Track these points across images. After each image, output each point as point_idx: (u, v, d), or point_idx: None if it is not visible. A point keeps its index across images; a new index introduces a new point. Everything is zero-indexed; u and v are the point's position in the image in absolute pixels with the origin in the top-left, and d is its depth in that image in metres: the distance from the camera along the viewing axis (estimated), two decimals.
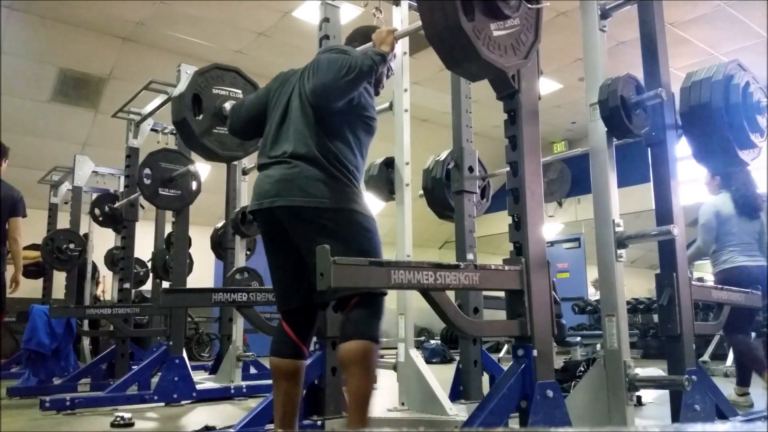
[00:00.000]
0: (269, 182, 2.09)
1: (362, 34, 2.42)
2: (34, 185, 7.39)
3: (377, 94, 2.34)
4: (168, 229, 5.93)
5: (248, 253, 5.22)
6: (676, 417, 2.33)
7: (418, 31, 2.18)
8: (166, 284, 5.68)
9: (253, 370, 5.21)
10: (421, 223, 5.85)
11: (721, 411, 2.50)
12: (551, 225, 11.50)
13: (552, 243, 11.56)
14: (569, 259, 11.74)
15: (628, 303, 5.32)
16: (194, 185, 4.64)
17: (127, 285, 5.07)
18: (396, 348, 3.21)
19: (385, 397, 4.50)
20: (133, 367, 4.60)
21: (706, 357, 6.37)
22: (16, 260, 4.44)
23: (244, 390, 4.43)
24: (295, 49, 7.30)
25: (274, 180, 2.08)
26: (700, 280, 6.84)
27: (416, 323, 9.93)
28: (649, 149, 2.57)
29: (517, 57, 1.89)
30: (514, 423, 2.23)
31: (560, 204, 10.52)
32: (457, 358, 3.70)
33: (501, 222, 2.67)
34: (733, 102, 2.38)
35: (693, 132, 2.48)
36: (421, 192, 3.95)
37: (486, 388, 3.37)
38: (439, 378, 3.05)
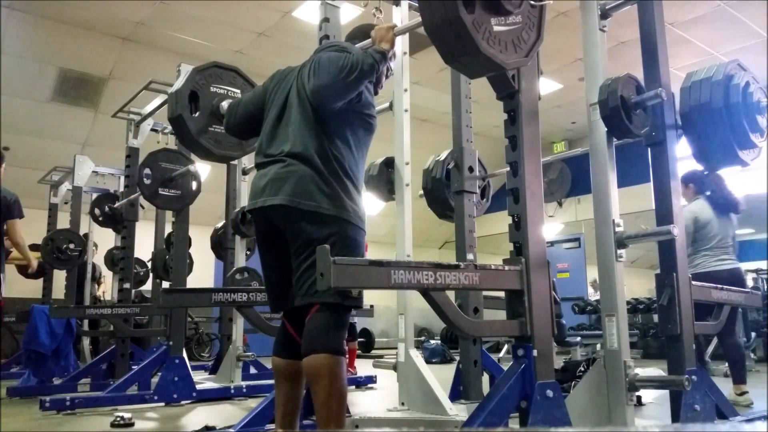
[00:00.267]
0: (264, 181, 2.08)
1: (363, 32, 2.39)
2: (34, 185, 7.40)
3: (376, 93, 2.32)
4: (168, 229, 5.93)
5: (248, 253, 5.22)
6: (676, 417, 2.33)
7: (418, 27, 2.16)
8: (166, 284, 5.69)
9: (253, 370, 5.21)
10: (421, 223, 5.85)
11: (721, 411, 2.50)
12: (551, 225, 11.50)
13: (552, 243, 11.56)
14: (569, 259, 11.74)
15: (628, 303, 5.32)
16: (194, 185, 4.64)
17: (127, 285, 5.07)
18: (396, 348, 3.21)
19: (385, 397, 4.51)
20: (133, 367, 4.60)
21: (705, 357, 6.37)
22: (25, 255, 4.82)
23: (244, 390, 4.44)
24: (295, 49, 7.30)
25: (268, 179, 2.06)
26: None
27: (416, 323, 9.95)
28: (649, 149, 2.57)
29: (518, 55, 1.86)
30: (514, 423, 2.23)
31: (560, 204, 10.52)
32: (457, 358, 3.70)
33: (501, 222, 2.67)
34: (733, 102, 2.38)
35: (693, 132, 2.48)
36: (421, 192, 3.95)
37: (486, 388, 3.37)
38: (439, 378, 3.05)
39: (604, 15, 2.56)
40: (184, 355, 4.28)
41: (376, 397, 4.76)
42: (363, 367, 5.89)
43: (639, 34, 2.66)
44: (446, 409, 2.86)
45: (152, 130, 5.37)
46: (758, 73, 2.68)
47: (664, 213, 2.49)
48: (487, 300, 3.49)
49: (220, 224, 5.61)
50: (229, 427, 2.83)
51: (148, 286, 6.87)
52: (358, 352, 8.84)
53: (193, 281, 5.16)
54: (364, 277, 1.68)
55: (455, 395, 3.44)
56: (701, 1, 6.95)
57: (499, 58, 1.78)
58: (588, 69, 2.53)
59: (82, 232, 6.43)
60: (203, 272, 8.37)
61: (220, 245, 5.54)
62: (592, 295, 10.47)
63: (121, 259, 5.17)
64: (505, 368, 2.19)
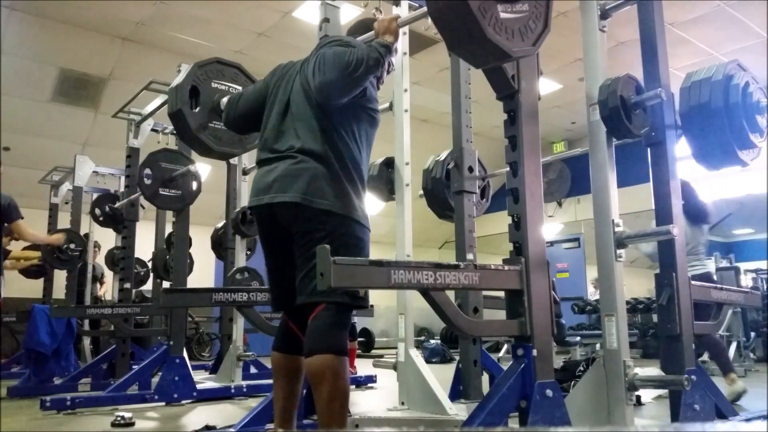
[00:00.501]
0: (271, 177, 2.04)
1: (365, 26, 2.37)
2: (34, 185, 7.40)
3: (378, 87, 2.31)
4: (168, 229, 5.93)
5: (248, 253, 5.23)
6: (675, 417, 2.33)
7: (422, 17, 2.15)
8: (166, 284, 5.69)
9: (253, 370, 5.22)
10: (421, 223, 5.85)
11: (721, 410, 2.50)
12: (551, 225, 11.50)
13: (552, 243, 11.57)
14: (569, 259, 11.75)
15: (627, 303, 5.33)
16: (194, 185, 4.64)
17: (127, 285, 5.08)
18: (396, 348, 3.21)
19: (385, 396, 4.52)
20: (134, 366, 4.60)
21: (705, 357, 6.37)
22: (45, 241, 5.28)
23: (245, 390, 4.44)
24: (295, 49, 7.27)
25: (276, 175, 2.03)
26: None
27: (416, 323, 9.95)
28: (648, 149, 2.57)
29: (525, 43, 1.82)
30: (514, 423, 2.23)
31: (560, 204, 10.52)
32: (457, 357, 3.70)
33: (501, 222, 2.68)
34: (733, 102, 2.38)
35: (693, 132, 2.49)
36: (421, 192, 3.95)
37: (486, 387, 3.37)
38: (439, 378, 3.05)
39: (604, 15, 2.56)
40: (185, 354, 4.28)
41: (376, 396, 4.76)
42: (363, 367, 5.89)
43: (639, 34, 2.66)
44: (446, 408, 2.86)
45: (152, 130, 5.37)
46: (758, 73, 2.68)
47: (663, 213, 2.50)
48: (487, 300, 3.50)
49: (220, 224, 5.61)
50: (229, 426, 2.83)
51: (148, 286, 6.88)
52: (358, 351, 8.85)
53: (194, 281, 5.16)
54: (364, 277, 1.68)
55: (455, 395, 3.44)
56: (701, 1, 6.95)
57: (505, 46, 1.74)
58: (588, 69, 2.53)
59: (82, 232, 6.44)
60: (203, 272, 8.38)
61: (220, 245, 5.54)
62: (593, 294, 10.47)
63: (121, 259, 5.18)
64: (505, 368, 2.19)
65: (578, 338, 6.76)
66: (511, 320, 2.03)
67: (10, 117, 7.73)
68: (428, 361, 7.31)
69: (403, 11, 3.43)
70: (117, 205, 6.03)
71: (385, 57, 2.01)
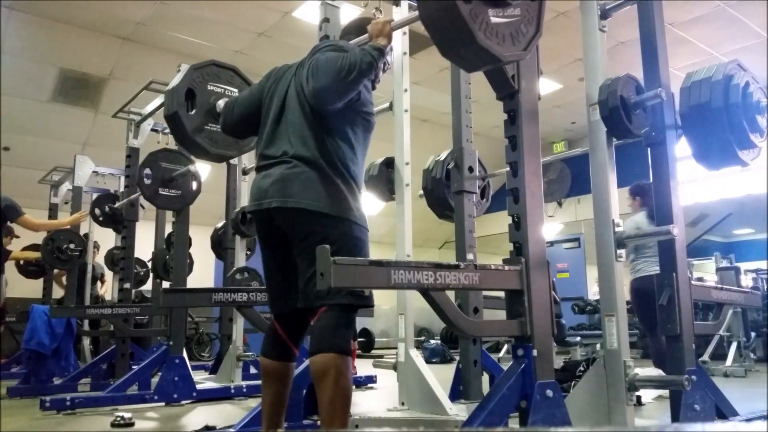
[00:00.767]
0: (268, 182, 2.06)
1: (358, 27, 2.37)
2: (34, 185, 7.40)
3: (373, 88, 2.31)
4: (168, 229, 5.93)
5: (248, 253, 5.23)
6: (675, 417, 2.33)
7: (415, 21, 2.15)
8: (166, 284, 5.69)
9: (253, 370, 5.21)
10: (421, 223, 5.85)
11: (721, 411, 2.50)
12: (551, 225, 11.50)
13: (552, 243, 11.56)
14: (569, 259, 11.74)
15: (627, 303, 5.33)
16: (194, 185, 4.64)
17: (127, 285, 5.08)
18: (396, 348, 3.21)
19: (385, 397, 4.51)
20: (134, 367, 4.60)
21: (705, 357, 6.38)
22: (57, 226, 5.41)
23: (244, 390, 4.44)
24: (295, 49, 7.28)
25: (272, 180, 2.05)
26: (700, 280, 6.86)
27: (416, 323, 9.94)
28: (648, 149, 2.57)
29: (516, 48, 1.82)
30: (514, 423, 2.23)
31: (560, 204, 10.51)
32: (457, 358, 3.70)
33: (501, 222, 2.68)
34: (733, 102, 2.38)
35: (693, 132, 2.49)
36: (421, 192, 3.95)
37: (486, 388, 3.37)
38: (439, 378, 3.05)
39: (604, 15, 2.56)
40: (185, 354, 4.28)
41: (376, 396, 4.76)
42: (363, 367, 5.88)
43: (639, 34, 2.66)
44: (446, 408, 2.86)
45: (152, 130, 5.37)
46: (758, 73, 2.68)
47: (664, 213, 2.50)
48: (487, 300, 3.50)
49: (220, 224, 5.61)
50: (229, 426, 2.83)
51: (148, 286, 6.87)
52: (358, 351, 8.85)
53: (193, 281, 5.16)
54: (364, 277, 1.68)
55: (455, 395, 3.44)
56: (701, 1, 6.95)
57: (495, 50, 1.74)
58: (588, 69, 2.53)
59: (82, 232, 6.44)
60: (203, 272, 8.37)
61: (220, 245, 5.54)
62: (596, 294, 10.47)
63: (121, 259, 5.18)
64: (505, 368, 2.19)
65: (578, 338, 6.76)
66: (511, 320, 2.03)
67: (10, 117, 7.73)
68: (428, 361, 7.31)
69: (403, 11, 3.43)
70: (117, 205, 6.04)
71: (378, 60, 2.01)
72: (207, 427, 2.94)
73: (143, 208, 5.40)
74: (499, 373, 3.60)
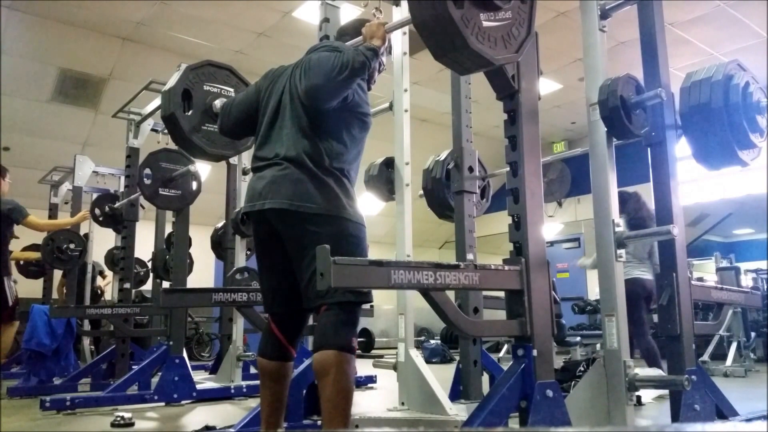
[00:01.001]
0: (261, 184, 2.07)
1: (354, 28, 2.38)
2: (34, 185, 7.40)
3: (369, 89, 2.31)
4: (168, 229, 5.93)
5: (248, 253, 5.22)
6: (675, 417, 2.33)
7: (409, 23, 2.16)
8: (166, 284, 5.69)
9: (253, 370, 5.20)
10: (421, 223, 5.85)
11: (721, 411, 2.50)
12: (551, 225, 11.49)
13: (552, 243, 11.55)
14: (569, 259, 11.74)
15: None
16: (194, 185, 4.64)
17: (127, 285, 5.07)
18: (396, 348, 3.21)
19: (385, 397, 4.51)
20: (134, 366, 4.60)
21: (705, 357, 6.38)
22: (63, 225, 5.43)
23: (244, 390, 4.44)
24: (295, 49, 7.26)
25: (265, 182, 2.06)
26: (700, 280, 6.86)
27: (416, 323, 9.94)
28: (648, 149, 2.57)
29: (508, 50, 1.84)
30: (514, 423, 2.23)
31: (560, 204, 10.50)
32: (457, 358, 3.70)
33: (501, 222, 2.68)
34: (733, 102, 2.38)
35: (693, 132, 2.49)
36: (421, 192, 3.95)
37: (486, 388, 3.37)
38: (439, 378, 3.05)
39: (604, 15, 2.56)
40: (185, 354, 4.28)
41: (376, 397, 4.76)
42: (363, 367, 5.87)
43: (639, 34, 2.66)
44: (446, 409, 2.86)
45: (152, 130, 5.37)
46: (758, 73, 2.68)
47: (663, 213, 2.50)
48: (487, 300, 3.50)
49: (220, 224, 5.61)
50: (229, 426, 2.83)
51: (148, 286, 6.88)
52: (358, 352, 8.83)
53: (193, 281, 5.16)
54: (364, 277, 1.68)
55: (455, 395, 3.44)
56: (701, 1, 6.95)
57: (488, 54, 1.76)
58: (588, 69, 2.53)
59: (82, 232, 6.44)
60: (203, 272, 8.38)
61: (220, 245, 5.54)
62: (597, 294, 10.47)
63: (121, 259, 5.17)
64: (505, 368, 2.19)
65: (578, 338, 6.76)
66: (511, 320, 2.03)
67: (10, 117, 7.73)
68: (428, 361, 7.31)
69: (403, 11, 3.43)
70: (117, 205, 6.03)
71: (371, 61, 2.02)
72: (207, 427, 2.94)
73: (143, 208, 5.39)
74: (499, 373, 3.60)
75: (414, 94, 3.59)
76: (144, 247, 6.14)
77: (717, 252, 8.71)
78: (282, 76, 2.22)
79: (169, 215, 5.46)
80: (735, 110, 2.39)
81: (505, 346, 7.98)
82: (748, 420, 2.69)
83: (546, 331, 2.04)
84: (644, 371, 2.52)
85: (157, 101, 4.75)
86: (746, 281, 8.48)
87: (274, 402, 2.12)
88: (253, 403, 3.98)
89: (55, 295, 6.85)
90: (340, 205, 2.04)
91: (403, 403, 3.12)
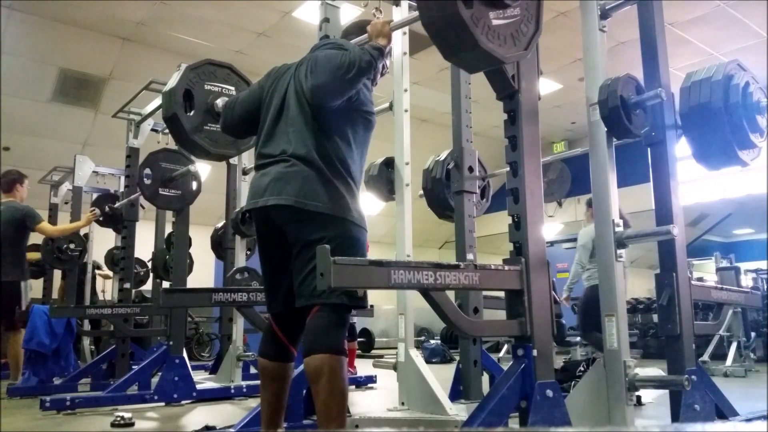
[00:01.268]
0: (266, 180, 2.05)
1: (359, 28, 2.37)
2: (34, 185, 7.34)
3: (374, 85, 2.30)
4: (168, 229, 5.93)
5: (248, 253, 5.22)
6: (675, 417, 2.33)
7: (415, 21, 2.15)
8: (166, 284, 5.69)
9: (253, 370, 5.21)
10: (421, 223, 5.85)
11: (721, 411, 2.50)
12: (551, 225, 11.49)
13: (552, 243, 11.55)
14: (569, 259, 11.69)
15: (627, 303, 5.36)
16: (194, 185, 4.64)
17: (127, 285, 5.08)
18: (396, 348, 3.21)
19: (385, 397, 4.51)
20: (134, 366, 4.60)
21: (705, 357, 6.38)
22: (73, 229, 5.45)
23: (244, 390, 4.44)
24: (295, 49, 7.27)
25: (270, 178, 2.04)
26: (700, 280, 6.86)
27: (416, 323, 9.95)
28: (648, 149, 2.57)
29: (517, 48, 1.84)
30: (514, 423, 2.23)
31: (560, 204, 10.51)
32: (457, 358, 3.70)
33: (501, 222, 2.68)
34: (733, 102, 2.38)
35: (693, 132, 2.48)
36: (421, 192, 3.95)
37: (486, 388, 3.37)
38: (439, 378, 3.05)
39: (604, 15, 2.56)
40: (185, 354, 4.28)
41: (376, 397, 4.76)
42: (363, 367, 5.89)
43: (639, 34, 2.66)
44: (446, 408, 2.86)
45: (152, 130, 5.37)
46: (758, 73, 2.68)
47: (663, 213, 2.49)
48: (487, 300, 3.50)
49: (220, 224, 5.61)
50: (229, 427, 2.83)
51: (148, 286, 6.88)
52: (358, 352, 8.84)
53: (193, 281, 5.16)
54: (364, 277, 1.68)
55: (455, 395, 3.44)
56: (701, 1, 6.95)
57: (498, 53, 1.76)
58: (588, 69, 2.53)
59: (82, 232, 6.44)
60: (203, 272, 8.37)
61: (220, 245, 5.54)
62: None
63: (121, 259, 5.18)
64: (505, 368, 2.19)
65: (578, 338, 6.76)
66: (511, 320, 2.03)
67: (10, 117, 7.73)
68: (428, 361, 7.31)
69: (402, 11, 3.43)
70: (117, 205, 6.03)
71: (377, 60, 2.01)
72: (207, 427, 2.94)
73: (143, 208, 5.39)
74: (499, 373, 3.60)
75: (414, 94, 3.59)
76: (144, 247, 6.14)
77: (717, 252, 8.71)
78: (286, 73, 2.21)
79: (169, 215, 5.45)
80: (735, 110, 2.38)
81: (505, 346, 7.99)
82: (748, 420, 2.69)
83: (546, 331, 2.04)
84: (644, 371, 2.51)
85: (156, 101, 4.75)
86: (746, 281, 8.49)
87: (275, 402, 2.11)
88: (253, 403, 3.98)
89: (55, 295, 6.85)
90: (345, 207, 2.03)
91: (403, 403, 3.12)
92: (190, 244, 5.00)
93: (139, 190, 4.73)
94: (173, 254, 4.55)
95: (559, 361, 4.20)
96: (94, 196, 6.63)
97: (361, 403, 4.32)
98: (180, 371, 4.14)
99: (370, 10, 2.41)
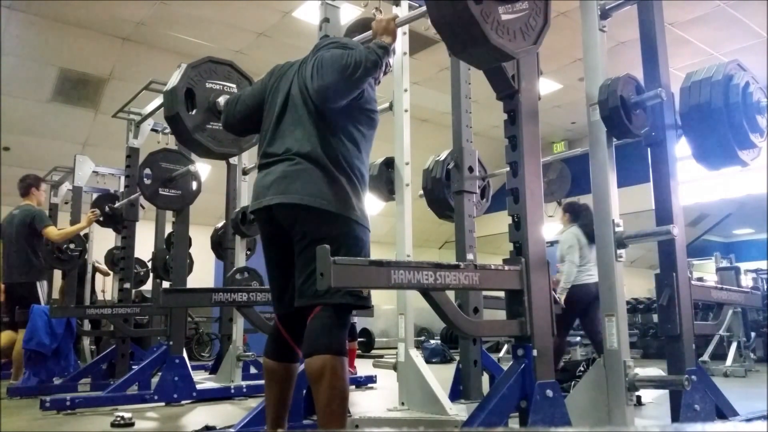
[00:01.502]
0: (270, 179, 2.04)
1: (363, 26, 2.36)
2: None
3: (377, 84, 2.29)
4: (168, 229, 5.93)
5: (248, 253, 5.22)
6: (675, 417, 2.33)
7: (420, 17, 2.14)
8: (166, 284, 5.68)
9: (253, 370, 5.21)
10: (421, 223, 5.85)
11: (721, 411, 2.50)
12: (551, 225, 11.47)
13: (552, 243, 11.54)
14: None
15: (627, 303, 5.35)
16: (194, 185, 4.64)
17: (127, 285, 5.08)
18: (396, 348, 3.21)
19: (385, 397, 4.51)
20: (134, 366, 4.60)
21: (705, 357, 6.38)
22: (74, 230, 5.47)
23: (244, 390, 4.44)
24: (295, 49, 7.26)
25: (275, 177, 2.03)
26: (700, 280, 6.86)
27: (416, 323, 9.95)
28: (648, 149, 2.57)
29: (527, 42, 1.84)
30: (514, 423, 2.23)
31: (560, 204, 10.52)
32: (457, 358, 3.70)
33: (501, 222, 2.67)
34: (733, 102, 2.38)
35: (693, 132, 2.49)
36: (421, 192, 3.95)
37: (486, 388, 3.37)
38: (439, 378, 3.05)
39: (604, 15, 2.56)
40: (185, 354, 4.28)
41: (376, 397, 4.76)
42: (363, 367, 5.89)
43: (639, 34, 2.66)
44: (446, 408, 2.86)
45: (152, 130, 5.37)
46: (758, 73, 2.68)
47: (663, 213, 2.49)
48: (487, 300, 3.50)
49: (220, 224, 5.61)
50: (229, 427, 2.83)
51: (148, 286, 6.87)
52: (358, 352, 8.84)
53: (193, 281, 5.16)
54: (364, 277, 1.68)
55: (455, 395, 3.44)
56: (701, 1, 6.95)
57: (508, 47, 1.75)
58: (588, 69, 2.53)
59: (82, 233, 6.43)
60: (203, 272, 8.37)
61: (220, 245, 5.54)
62: None
63: (121, 259, 5.18)
64: (505, 368, 2.19)
65: (578, 338, 6.76)
66: (511, 320, 2.03)
67: (10, 117, 7.73)
68: (428, 361, 7.31)
69: (403, 11, 3.43)
70: (117, 205, 6.03)
71: (383, 58, 1.99)
72: (207, 427, 2.94)
73: (143, 208, 5.39)
74: (499, 373, 3.60)
75: (414, 94, 3.59)
76: (144, 247, 6.14)
77: (717, 252, 8.72)
78: (289, 71, 2.20)
79: (169, 215, 5.45)
80: (735, 110, 2.39)
81: (505, 346, 7.98)
82: (748, 420, 2.69)
83: (546, 331, 2.04)
84: (644, 371, 2.51)
85: (157, 101, 4.75)
86: (746, 281, 8.49)
87: (280, 403, 2.10)
88: (253, 403, 3.98)
89: (55, 295, 6.84)
90: (350, 206, 2.02)
91: (403, 403, 3.12)
92: (190, 244, 5.00)
93: (139, 190, 4.73)
94: (173, 254, 4.55)
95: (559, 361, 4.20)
96: (94, 196, 6.62)
97: (361, 403, 4.32)
98: (180, 371, 4.14)
99: (371, 10, 2.41)
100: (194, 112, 2.72)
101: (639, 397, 3.67)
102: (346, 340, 1.97)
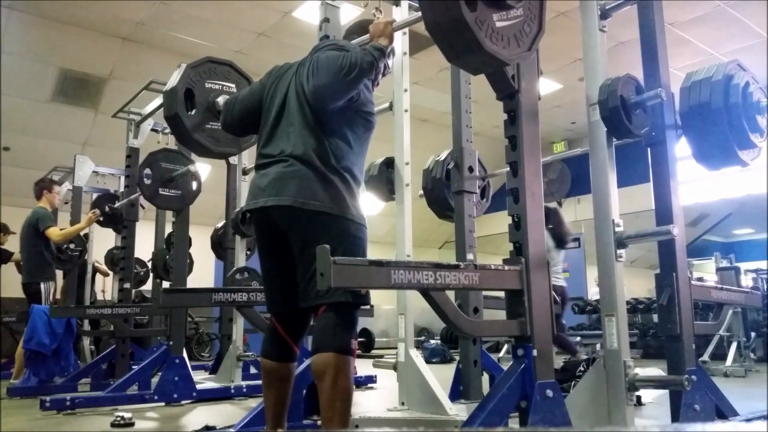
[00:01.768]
0: (265, 181, 2.06)
1: (361, 28, 2.37)
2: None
3: (372, 89, 2.30)
4: (168, 229, 5.93)
5: (248, 253, 5.22)
6: (675, 417, 2.33)
7: (417, 22, 2.15)
8: (166, 284, 5.69)
9: (253, 370, 5.21)
10: (421, 223, 5.85)
11: (721, 411, 2.50)
12: None
13: None
14: (569, 259, 11.73)
15: (627, 303, 5.36)
16: (194, 185, 4.64)
17: (127, 285, 5.08)
18: (396, 348, 3.21)
19: (385, 397, 4.51)
20: (134, 366, 4.60)
21: (705, 357, 6.38)
22: (74, 230, 5.55)
23: (244, 390, 4.44)
24: (295, 49, 7.28)
25: (270, 178, 2.05)
26: (700, 280, 6.86)
27: (416, 323, 9.95)
28: (648, 149, 2.57)
29: (521, 49, 1.85)
30: (514, 423, 2.23)
31: (560, 204, 10.52)
32: (457, 358, 3.70)
33: (501, 222, 2.68)
34: (733, 102, 2.38)
35: (693, 132, 2.48)
36: (421, 192, 3.95)
37: (486, 388, 3.37)
38: (439, 378, 3.05)
39: (604, 15, 2.56)
40: (185, 354, 4.28)
41: (376, 396, 4.76)
42: (363, 367, 5.88)
43: (639, 34, 2.66)
44: (446, 408, 2.86)
45: (152, 130, 5.37)
46: (758, 73, 2.68)
47: (663, 213, 2.49)
48: (487, 300, 3.50)
49: (220, 224, 5.61)
50: (229, 427, 2.83)
51: (148, 286, 6.87)
52: (358, 351, 8.82)
53: (193, 281, 5.16)
54: (365, 277, 1.68)
55: (455, 395, 3.44)
56: (701, 1, 6.95)
57: (502, 54, 1.76)
58: (588, 69, 2.53)
59: (82, 233, 6.43)
60: (203, 272, 8.37)
61: (220, 245, 5.54)
62: (595, 294, 10.46)
63: (121, 259, 5.18)
64: (505, 368, 2.19)
65: (578, 338, 6.76)
66: (511, 320, 2.03)
67: (10, 117, 7.73)
68: (428, 361, 7.31)
69: (402, 11, 3.43)
70: (117, 205, 6.04)
71: (378, 60, 2.01)
72: (207, 427, 2.94)
73: (143, 208, 5.39)
74: (499, 373, 3.60)
75: (414, 94, 3.59)
76: (144, 247, 6.14)
77: (717, 252, 8.71)
78: (287, 73, 2.21)
79: (169, 215, 5.45)
80: (735, 110, 2.38)
81: (505, 346, 7.98)
82: (748, 420, 2.69)
83: (546, 331, 2.04)
84: (644, 371, 2.51)
85: (157, 101, 4.75)
86: (746, 281, 8.48)
87: (279, 402, 2.11)
88: (253, 403, 3.98)
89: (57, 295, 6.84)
90: (344, 206, 2.04)
91: (403, 403, 3.12)
92: (190, 244, 5.00)
93: (139, 190, 4.73)
94: (173, 254, 4.56)
95: (559, 362, 4.19)
96: (94, 196, 6.63)
97: (361, 403, 4.32)
98: (180, 371, 4.14)
99: (371, 11, 2.41)
100: (194, 112, 2.73)
101: (639, 397, 3.67)
102: (354, 339, 1.97)
